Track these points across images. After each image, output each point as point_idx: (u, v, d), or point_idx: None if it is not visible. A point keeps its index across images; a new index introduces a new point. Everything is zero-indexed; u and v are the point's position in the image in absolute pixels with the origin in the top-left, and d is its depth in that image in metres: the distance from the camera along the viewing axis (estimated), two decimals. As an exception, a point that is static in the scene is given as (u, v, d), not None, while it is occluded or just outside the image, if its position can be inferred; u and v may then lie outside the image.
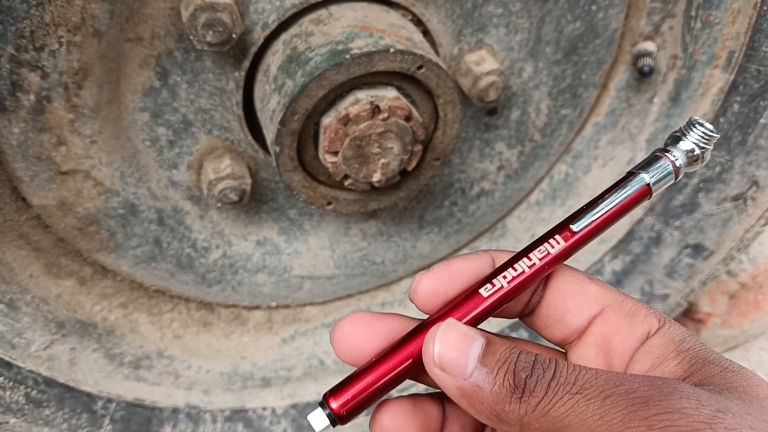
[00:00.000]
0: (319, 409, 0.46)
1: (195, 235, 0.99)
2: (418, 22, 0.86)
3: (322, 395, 0.46)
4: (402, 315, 0.50)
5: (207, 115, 0.87)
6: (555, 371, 0.40)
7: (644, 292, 1.16)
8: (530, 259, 0.49)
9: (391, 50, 0.73)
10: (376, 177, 0.81)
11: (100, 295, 1.00)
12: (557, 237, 0.50)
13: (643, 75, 0.97)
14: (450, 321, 0.45)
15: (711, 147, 0.51)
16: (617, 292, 0.50)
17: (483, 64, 0.90)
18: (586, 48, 0.95)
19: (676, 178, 0.51)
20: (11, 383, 0.88)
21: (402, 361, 0.46)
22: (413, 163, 0.84)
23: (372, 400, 0.47)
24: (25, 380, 0.89)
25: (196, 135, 0.88)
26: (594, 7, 0.91)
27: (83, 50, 0.73)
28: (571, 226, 0.50)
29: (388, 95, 0.77)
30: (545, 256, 0.49)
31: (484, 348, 0.42)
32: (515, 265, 0.48)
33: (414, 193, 0.92)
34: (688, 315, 1.26)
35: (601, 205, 0.50)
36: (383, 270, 1.15)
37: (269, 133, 0.79)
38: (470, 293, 0.48)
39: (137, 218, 0.92)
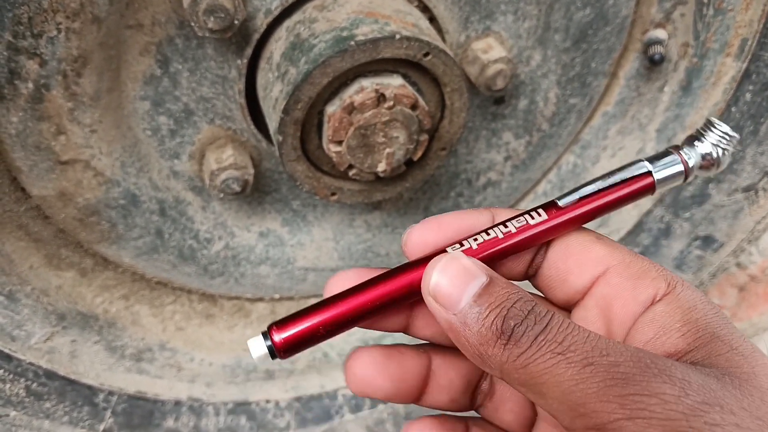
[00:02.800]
0: (260, 336, 0.46)
1: (197, 226, 0.97)
2: (425, 9, 0.84)
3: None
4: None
5: (209, 104, 0.85)
6: (546, 326, 0.38)
7: (653, 284, 1.14)
8: (506, 227, 0.47)
9: (397, 37, 0.71)
10: (381, 167, 0.80)
11: (101, 287, 0.99)
12: (540, 210, 0.49)
13: (653, 63, 0.95)
14: (456, 253, 0.44)
15: (730, 150, 0.49)
16: (627, 251, 0.47)
17: (490, 51, 0.88)
18: (596, 36, 0.93)
19: (685, 179, 0.49)
20: (11, 376, 0.86)
21: (353, 306, 0.45)
22: (419, 153, 0.82)
23: (314, 339, 0.46)
24: (26, 373, 0.87)
25: (198, 124, 0.87)
26: (604, -6, 0.89)
27: (82, 37, 0.71)
28: (557, 201, 0.48)
29: (393, 83, 0.75)
30: (523, 227, 0.47)
31: (483, 287, 0.41)
32: (489, 230, 0.47)
33: (419, 184, 0.90)
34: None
35: (593, 186, 0.49)
36: (387, 262, 1.14)
37: (272, 122, 0.77)
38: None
39: (138, 209, 0.91)
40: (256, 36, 0.78)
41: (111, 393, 0.97)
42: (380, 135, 0.77)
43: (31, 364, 0.88)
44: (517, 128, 1.03)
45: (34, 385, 0.88)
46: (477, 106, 0.99)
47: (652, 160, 0.49)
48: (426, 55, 0.74)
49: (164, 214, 0.93)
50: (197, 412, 1.02)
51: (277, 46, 0.78)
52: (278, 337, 0.45)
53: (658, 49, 0.94)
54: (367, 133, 0.76)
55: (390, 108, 0.75)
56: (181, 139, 0.88)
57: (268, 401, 1.08)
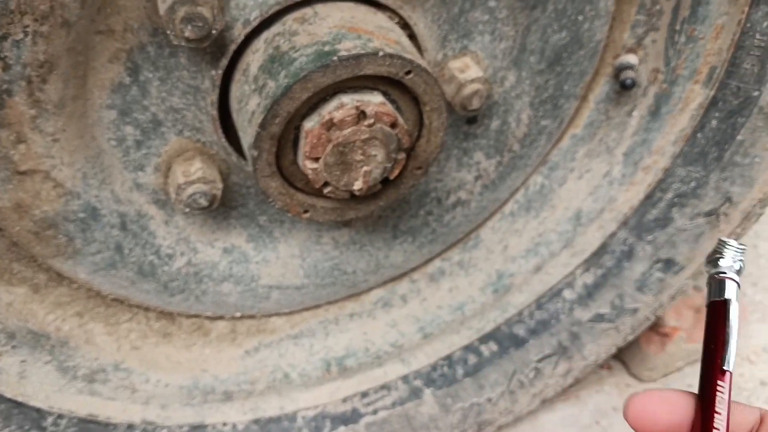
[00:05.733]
0: None
1: (159, 241, 0.93)
2: (405, 25, 0.83)
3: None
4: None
5: (179, 115, 0.82)
6: None
7: (614, 305, 1.15)
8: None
9: (380, 53, 0.70)
10: (358, 185, 0.78)
11: (55, 304, 0.93)
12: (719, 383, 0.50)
13: (625, 88, 0.96)
14: None
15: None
16: None
17: (467, 71, 0.88)
18: (570, 59, 0.94)
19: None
20: (-46, 399, 0.81)
21: None
22: (396, 172, 0.81)
23: None
24: (-29, 396, 0.82)
25: (166, 135, 0.83)
26: (581, 17, 0.89)
27: (50, 41, 0.67)
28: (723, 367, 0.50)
29: (374, 100, 0.74)
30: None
31: None
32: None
33: (393, 202, 0.89)
34: (655, 329, 1.26)
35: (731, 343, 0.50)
36: (354, 280, 1.12)
37: (246, 136, 0.75)
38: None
39: (98, 222, 0.86)
40: (233, 47, 0.76)
41: (60, 416, 0.92)
42: (359, 153, 0.75)
43: (-24, 386, 0.82)
44: (488, 148, 1.03)
45: (-21, 408, 0.83)
46: (450, 125, 0.98)
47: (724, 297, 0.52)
48: (408, 73, 0.73)
49: (125, 228, 0.89)
50: (153, 435, 0.98)
51: (254, 58, 0.76)
52: None
53: (629, 74, 0.96)
54: (346, 150, 0.74)
55: (370, 126, 0.73)
56: (147, 151, 0.84)
57: (225, 424, 1.05)
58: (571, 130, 1.08)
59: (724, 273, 0.52)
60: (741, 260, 0.53)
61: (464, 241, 1.19)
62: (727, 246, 0.53)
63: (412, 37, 0.84)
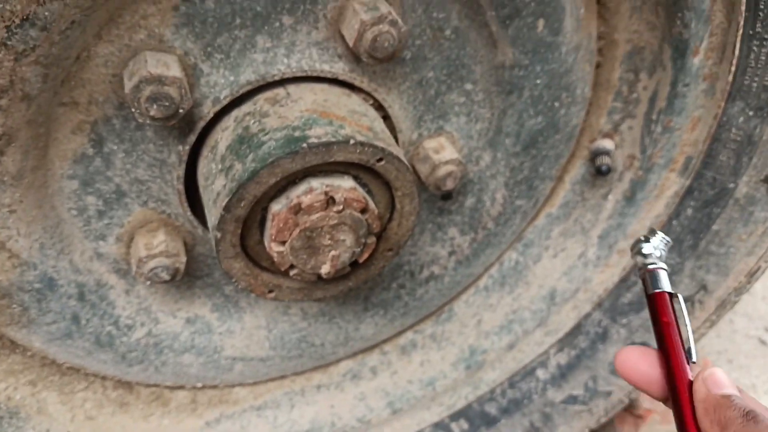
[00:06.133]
0: None
1: (118, 311, 0.90)
2: (379, 107, 0.82)
3: None
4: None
5: (143, 186, 0.80)
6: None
7: (588, 387, 1.13)
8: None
9: (351, 142, 0.69)
10: (325, 269, 0.75)
11: (6, 372, 0.89)
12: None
13: (600, 174, 0.96)
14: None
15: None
16: None
17: (442, 152, 0.86)
18: (545, 142, 0.93)
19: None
20: None
21: None
22: (365, 255, 0.79)
23: None
24: None
25: (130, 206, 0.81)
26: (557, 104, 0.89)
27: (9, 115, 0.65)
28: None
29: (344, 185, 0.72)
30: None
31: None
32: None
33: (363, 283, 0.87)
34: (629, 410, 1.23)
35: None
36: (322, 352, 1.08)
37: (211, 216, 0.73)
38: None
39: (54, 293, 0.83)
40: (202, 123, 0.74)
41: (5, 491, 0.87)
42: (326, 237, 0.73)
43: None
44: (462, 225, 1.02)
45: None
46: (424, 200, 0.97)
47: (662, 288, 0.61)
48: (380, 160, 0.72)
49: (83, 298, 0.86)
50: None
51: (223, 136, 0.74)
52: None
53: (605, 161, 0.95)
54: (313, 235, 0.72)
55: (339, 212, 0.71)
56: (109, 221, 0.82)
57: (181, 497, 1.00)
58: (546, 208, 1.07)
59: (655, 264, 0.61)
60: (664, 250, 0.62)
61: (437, 313, 1.16)
62: (653, 234, 0.62)
63: (387, 118, 0.83)
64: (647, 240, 0.62)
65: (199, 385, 1.05)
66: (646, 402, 1.24)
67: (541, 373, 1.13)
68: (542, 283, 1.12)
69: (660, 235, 0.63)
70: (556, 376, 1.12)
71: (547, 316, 1.12)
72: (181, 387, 1.04)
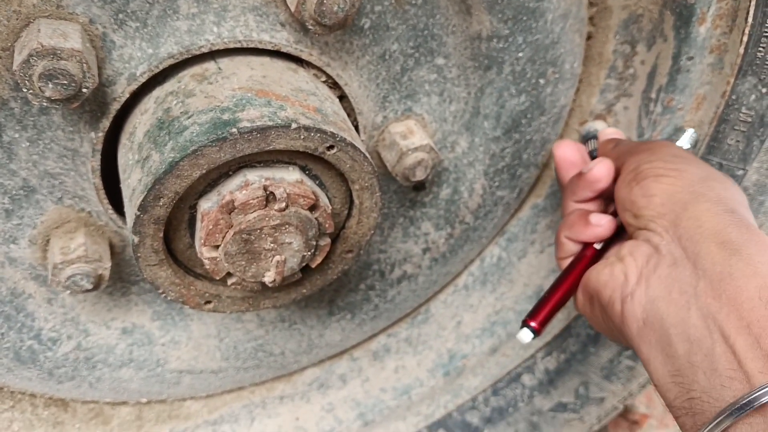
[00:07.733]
0: (525, 328, 0.73)
1: (39, 324, 0.78)
2: (334, 85, 0.70)
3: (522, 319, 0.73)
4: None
5: (56, 181, 0.67)
6: None
7: (578, 394, 1.03)
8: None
9: (293, 126, 0.57)
10: (269, 277, 0.64)
11: None
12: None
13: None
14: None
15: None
16: None
17: (411, 137, 0.75)
18: (529, 125, 0.82)
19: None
20: None
21: (567, 290, 0.74)
22: (318, 260, 0.67)
23: (554, 315, 0.74)
24: None
25: (42, 204, 0.69)
26: (542, 81, 0.77)
27: None
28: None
29: (288, 178, 0.60)
30: None
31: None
32: None
33: (319, 289, 0.75)
34: (624, 416, 1.14)
35: None
36: (283, 362, 0.97)
37: (128, 217, 0.61)
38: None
39: (-42, 306, 0.71)
40: (116, 106, 0.62)
41: None
42: (268, 240, 0.61)
43: None
44: (437, 219, 0.90)
45: None
46: (394, 191, 0.85)
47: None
48: (330, 148, 0.60)
49: (-6, 310, 0.74)
50: None
51: (142, 120, 0.62)
52: (534, 323, 0.73)
53: (596, 145, 0.84)
54: (251, 238, 0.60)
55: (282, 210, 0.59)
56: (19, 221, 0.69)
57: None
58: (531, 199, 0.96)
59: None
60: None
61: (412, 315, 1.05)
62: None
63: (344, 98, 0.71)
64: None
65: (144, 400, 0.94)
66: (642, 406, 1.15)
67: (527, 379, 1.04)
68: (528, 281, 1.01)
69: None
70: (543, 382, 1.03)
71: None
72: (124, 402, 0.93)
